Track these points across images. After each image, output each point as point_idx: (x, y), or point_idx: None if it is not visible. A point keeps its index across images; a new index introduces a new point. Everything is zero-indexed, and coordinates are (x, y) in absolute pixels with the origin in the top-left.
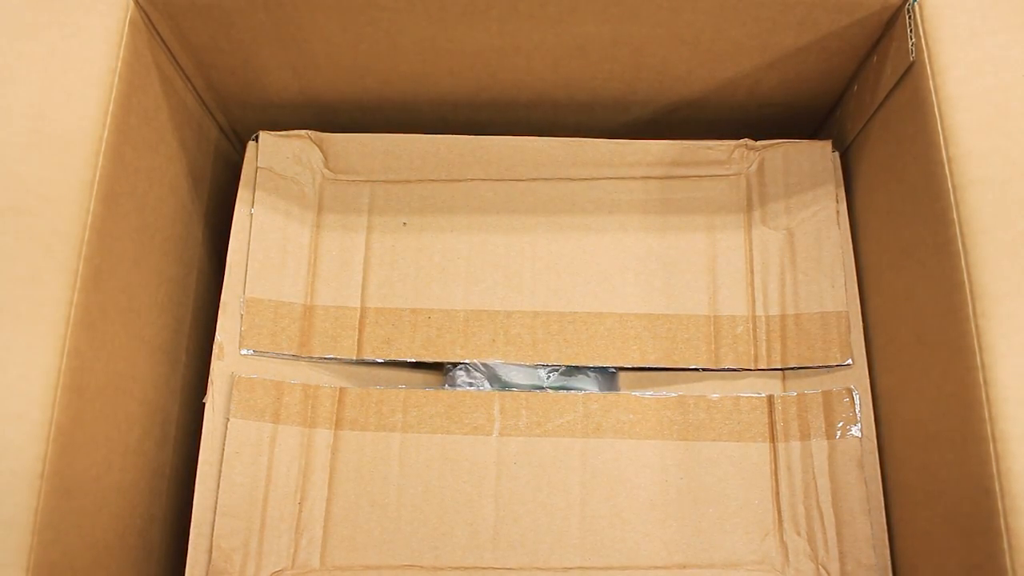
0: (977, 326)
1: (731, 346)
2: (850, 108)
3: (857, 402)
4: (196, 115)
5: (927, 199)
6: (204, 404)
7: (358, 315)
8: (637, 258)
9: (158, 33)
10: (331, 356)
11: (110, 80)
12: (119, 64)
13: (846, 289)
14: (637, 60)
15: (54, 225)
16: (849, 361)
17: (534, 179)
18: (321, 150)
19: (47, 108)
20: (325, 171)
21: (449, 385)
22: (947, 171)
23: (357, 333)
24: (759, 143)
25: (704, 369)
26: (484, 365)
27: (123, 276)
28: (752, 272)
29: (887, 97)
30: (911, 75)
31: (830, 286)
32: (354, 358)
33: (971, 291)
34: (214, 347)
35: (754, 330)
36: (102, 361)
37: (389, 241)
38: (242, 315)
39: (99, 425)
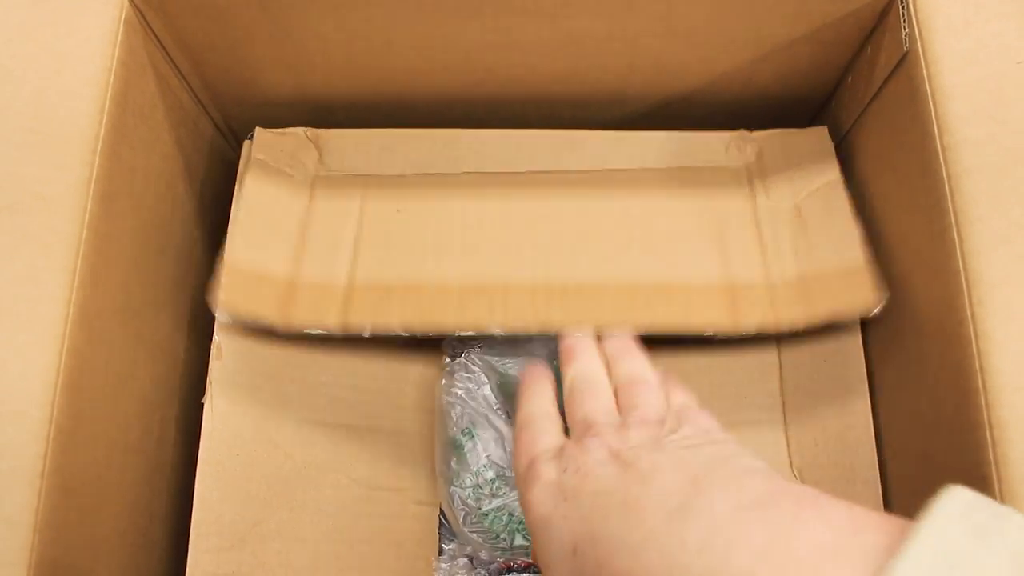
0: (973, 314)
1: (749, 310)
2: (844, 99)
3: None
4: (192, 113)
5: (922, 189)
6: (203, 404)
7: (344, 290)
8: (642, 228)
9: (153, 32)
10: (315, 329)
11: (106, 79)
12: (114, 63)
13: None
14: (632, 54)
15: (51, 224)
16: (876, 311)
17: (532, 171)
18: (316, 146)
19: (43, 108)
20: (319, 167)
21: (446, 382)
22: (942, 160)
23: (343, 306)
24: (756, 133)
25: (718, 340)
26: (482, 360)
27: (121, 275)
28: (763, 240)
29: (881, 87)
30: (905, 65)
31: (847, 243)
32: (339, 332)
33: (967, 279)
34: (212, 347)
35: (772, 294)
36: (101, 360)
37: (382, 225)
38: (221, 280)
39: (99, 423)
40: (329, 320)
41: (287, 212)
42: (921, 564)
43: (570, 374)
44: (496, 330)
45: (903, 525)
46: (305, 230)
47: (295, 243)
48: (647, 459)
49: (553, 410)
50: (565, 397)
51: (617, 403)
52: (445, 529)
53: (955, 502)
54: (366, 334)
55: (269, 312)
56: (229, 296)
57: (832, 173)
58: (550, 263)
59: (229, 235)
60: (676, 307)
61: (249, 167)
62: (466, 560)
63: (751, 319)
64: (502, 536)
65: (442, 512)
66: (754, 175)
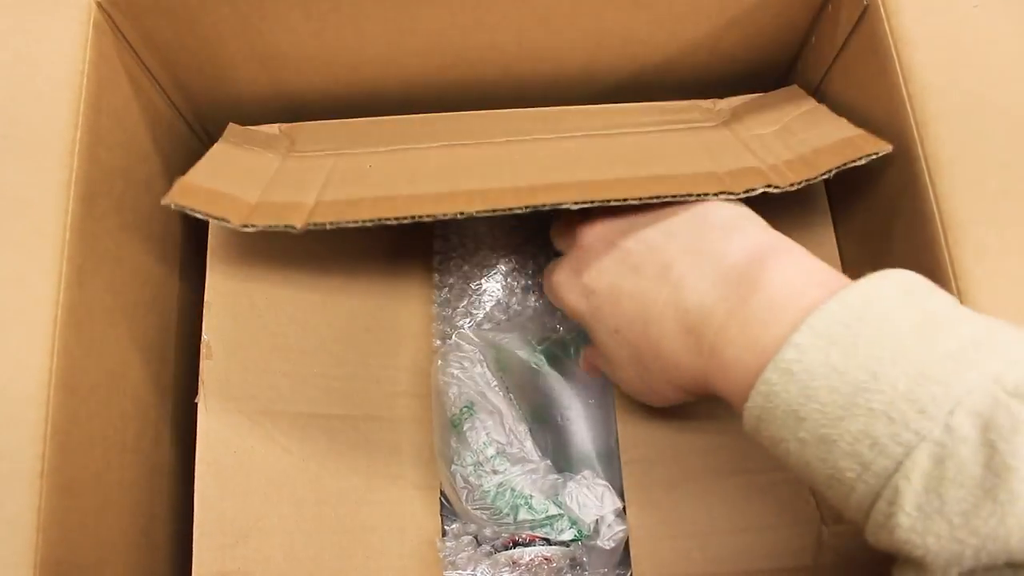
0: (950, 255)
1: (750, 180)
2: (810, 60)
3: None
4: (165, 114)
5: (892, 138)
6: (196, 403)
7: (311, 207)
8: (628, 149)
9: (122, 33)
10: (276, 225)
11: (79, 82)
12: (86, 66)
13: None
14: (598, 27)
15: (34, 226)
16: (889, 148)
17: (507, 140)
18: (289, 137)
19: (17, 112)
20: (292, 149)
21: (441, 363)
22: (909, 108)
23: (308, 211)
24: (727, 100)
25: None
26: (478, 335)
27: (107, 275)
28: (752, 148)
29: (845, 44)
30: (866, 19)
31: (838, 125)
32: (299, 226)
33: (942, 222)
34: (202, 346)
35: (770, 168)
36: (92, 360)
37: (354, 172)
38: (174, 190)
39: (95, 423)
40: (291, 219)
41: (256, 166)
42: (847, 302)
43: None
44: (477, 207)
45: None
46: (274, 177)
47: (262, 185)
48: (635, 253)
49: None
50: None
51: None
52: (447, 511)
53: (900, 274)
54: (328, 225)
55: (227, 213)
56: (184, 198)
57: (811, 103)
58: (535, 173)
59: (194, 169)
60: (669, 185)
61: (219, 142)
62: (470, 538)
63: (754, 182)
64: (505, 512)
65: (443, 495)
66: (732, 122)
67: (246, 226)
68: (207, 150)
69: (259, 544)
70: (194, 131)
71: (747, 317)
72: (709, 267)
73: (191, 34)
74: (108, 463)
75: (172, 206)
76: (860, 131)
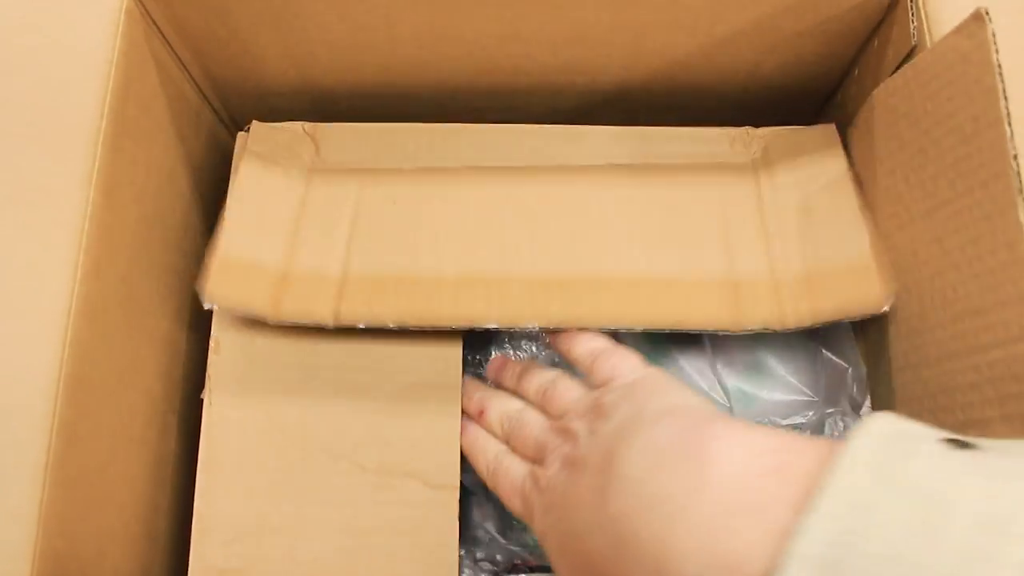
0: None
1: (753, 308)
2: (851, 92)
3: None
4: (194, 105)
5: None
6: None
7: (338, 281)
8: (644, 220)
9: (154, 22)
10: (306, 322)
11: (107, 71)
12: (116, 55)
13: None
14: (636, 45)
15: (54, 216)
16: (885, 308)
17: (532, 166)
18: (313, 140)
19: (45, 100)
20: (315, 160)
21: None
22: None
23: (336, 298)
24: (762, 130)
25: (723, 334)
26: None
27: (123, 267)
28: (768, 234)
29: None
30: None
31: (855, 239)
32: (331, 325)
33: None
34: (211, 341)
35: (777, 291)
36: (103, 351)
37: (377, 215)
38: (212, 270)
39: (102, 415)
40: (321, 313)
41: (281, 202)
42: (826, 523)
43: (495, 419)
44: (492, 324)
45: (820, 460)
46: (299, 220)
47: (289, 233)
48: (582, 452)
49: (500, 447)
50: (506, 435)
51: (546, 412)
52: (464, 513)
53: (869, 438)
54: (361, 325)
55: (260, 303)
56: (219, 286)
57: (840, 168)
58: (548, 254)
59: (222, 225)
60: (677, 303)
61: (244, 158)
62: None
63: (754, 317)
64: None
65: (462, 496)
66: (760, 169)
67: (280, 323)
68: (233, 141)
69: (259, 543)
70: (222, 122)
71: (702, 520)
72: (652, 460)
73: (223, 25)
74: (113, 456)
75: (215, 307)
76: (871, 256)
